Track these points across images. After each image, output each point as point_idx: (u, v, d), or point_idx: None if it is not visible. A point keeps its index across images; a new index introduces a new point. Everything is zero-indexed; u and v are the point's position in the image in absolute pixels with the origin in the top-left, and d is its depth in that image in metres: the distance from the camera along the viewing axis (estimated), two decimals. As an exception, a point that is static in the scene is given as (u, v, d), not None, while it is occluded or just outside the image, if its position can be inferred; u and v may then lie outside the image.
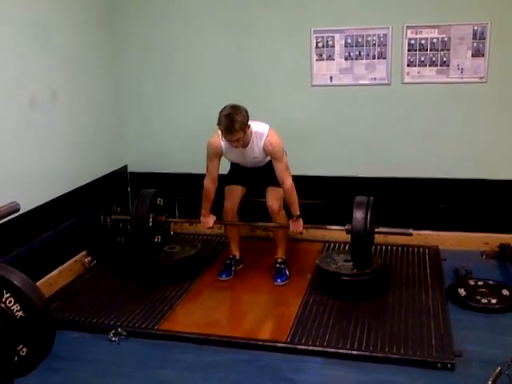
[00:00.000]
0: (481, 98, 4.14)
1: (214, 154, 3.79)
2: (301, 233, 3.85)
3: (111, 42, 4.60)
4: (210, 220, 3.96)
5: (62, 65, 3.98)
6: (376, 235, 4.51)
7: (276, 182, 3.83)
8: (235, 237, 4.15)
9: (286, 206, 3.87)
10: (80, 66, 4.20)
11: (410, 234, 3.76)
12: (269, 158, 3.79)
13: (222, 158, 3.86)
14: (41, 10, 3.73)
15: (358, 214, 3.54)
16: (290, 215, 3.85)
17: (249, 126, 3.58)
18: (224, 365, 3.00)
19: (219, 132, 3.58)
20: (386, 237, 4.48)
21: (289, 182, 3.71)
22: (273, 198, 3.88)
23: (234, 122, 3.43)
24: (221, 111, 3.49)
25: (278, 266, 3.97)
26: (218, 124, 3.49)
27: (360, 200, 3.62)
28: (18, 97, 3.55)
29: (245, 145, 3.66)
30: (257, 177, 3.96)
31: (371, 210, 3.56)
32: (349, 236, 4.48)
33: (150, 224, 3.88)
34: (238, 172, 3.99)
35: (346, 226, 3.65)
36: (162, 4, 4.52)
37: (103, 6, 4.49)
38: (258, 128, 3.68)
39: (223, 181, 4.02)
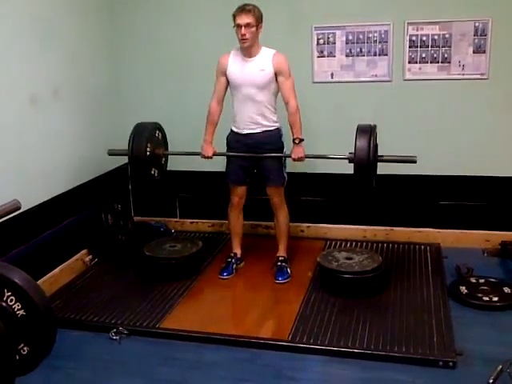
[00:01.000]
0: (482, 94, 4.13)
1: (221, 72, 3.78)
2: (302, 159, 3.74)
3: (113, 40, 4.60)
4: (210, 149, 3.87)
5: (64, 63, 3.98)
6: (378, 235, 4.54)
7: (276, 181, 3.84)
8: (238, 233, 4.11)
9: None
10: (81, 64, 4.19)
11: (415, 161, 3.56)
12: (272, 89, 3.71)
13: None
14: (43, 9, 3.73)
15: (361, 142, 3.41)
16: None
17: (261, 26, 3.62)
18: (225, 363, 3.00)
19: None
20: (388, 234, 4.48)
21: (294, 103, 3.69)
22: (274, 194, 3.89)
23: (249, 4, 3.59)
24: None
25: (279, 264, 3.97)
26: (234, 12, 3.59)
27: (363, 127, 3.50)
28: (19, 95, 3.55)
29: (251, 45, 3.62)
30: (256, 169, 3.92)
31: (374, 138, 3.46)
32: (350, 233, 4.53)
33: (148, 153, 3.85)
34: (237, 168, 3.92)
35: (348, 155, 3.55)
36: (163, 3, 4.51)
37: (105, 5, 4.49)
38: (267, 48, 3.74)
39: (222, 178, 4.01)
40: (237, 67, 3.72)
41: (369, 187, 3.57)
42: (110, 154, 4.11)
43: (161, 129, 4.10)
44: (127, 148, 3.87)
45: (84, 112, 4.24)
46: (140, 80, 4.70)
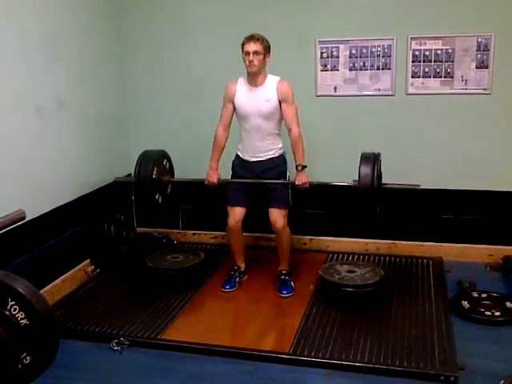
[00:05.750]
0: (484, 109, 4.15)
1: (229, 99, 3.82)
2: (305, 185, 3.77)
3: (118, 52, 4.64)
4: (215, 176, 3.91)
5: (69, 74, 4.01)
6: (380, 248, 4.54)
7: (279, 203, 3.85)
8: (240, 249, 4.11)
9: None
10: (86, 75, 4.22)
11: (419, 190, 3.59)
12: (278, 117, 3.77)
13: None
14: (48, 21, 3.77)
15: (365, 169, 3.43)
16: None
17: (268, 56, 3.70)
18: (226, 375, 3.00)
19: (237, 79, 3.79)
20: (390, 248, 4.48)
21: (296, 130, 3.73)
22: (276, 215, 3.85)
23: (258, 34, 3.66)
24: None
25: (282, 277, 3.96)
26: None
27: (367, 155, 3.53)
28: (25, 106, 3.57)
29: (258, 73, 3.69)
30: (259, 192, 3.94)
31: (378, 165, 3.48)
32: (353, 246, 4.53)
33: (154, 177, 3.89)
34: (239, 189, 3.94)
35: (353, 182, 3.57)
36: (169, 15, 4.55)
37: (110, 16, 4.53)
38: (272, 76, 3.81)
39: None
40: (244, 96, 3.78)
41: (373, 213, 3.59)
42: (116, 182, 4.18)
43: (167, 157, 4.14)
44: (133, 175, 3.95)
45: (88, 123, 4.26)
46: (147, 94, 4.73)
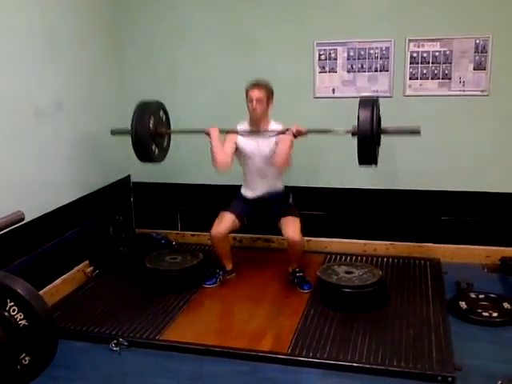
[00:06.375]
0: (482, 110, 4.16)
1: (232, 137, 3.86)
2: (302, 129, 3.72)
3: (117, 54, 4.66)
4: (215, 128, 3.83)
5: (68, 77, 4.02)
6: (378, 249, 4.55)
7: (289, 212, 3.89)
8: (226, 252, 4.09)
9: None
10: (86, 77, 4.24)
11: (419, 132, 3.52)
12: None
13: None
14: (48, 23, 3.78)
15: (364, 113, 3.38)
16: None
17: (272, 102, 3.78)
18: (224, 376, 3.01)
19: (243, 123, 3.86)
20: (388, 249, 4.50)
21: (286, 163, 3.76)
22: (291, 229, 3.84)
23: (262, 80, 3.76)
24: None
25: (298, 275, 3.99)
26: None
27: (365, 99, 3.48)
28: (23, 107, 3.58)
29: (261, 118, 3.76)
30: (261, 211, 4.01)
31: (377, 110, 3.44)
32: (351, 247, 4.54)
33: (151, 127, 3.81)
34: (243, 201, 4.02)
35: (352, 128, 3.50)
36: (167, 18, 4.57)
37: (110, 19, 4.55)
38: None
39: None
40: (247, 141, 3.85)
41: (372, 161, 3.50)
42: (112, 134, 4.06)
43: (165, 109, 4.06)
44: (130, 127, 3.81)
45: (87, 124, 4.28)
46: (144, 93, 4.71)
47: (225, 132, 3.87)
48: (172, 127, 4.11)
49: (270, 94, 3.76)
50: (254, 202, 4.01)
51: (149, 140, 3.80)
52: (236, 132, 3.86)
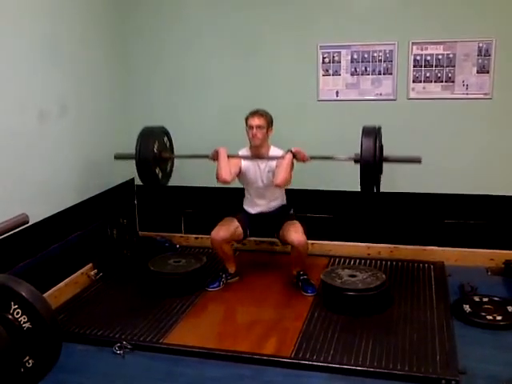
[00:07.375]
0: (485, 114, 4.16)
1: (237, 161, 3.92)
2: (303, 153, 3.78)
3: (121, 56, 4.67)
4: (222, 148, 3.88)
5: (72, 79, 4.04)
6: (382, 252, 4.55)
7: (288, 219, 3.95)
8: (228, 256, 4.12)
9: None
10: (89, 80, 4.25)
11: (419, 161, 3.56)
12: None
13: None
14: (52, 26, 3.79)
15: (367, 142, 3.43)
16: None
17: (271, 130, 3.87)
18: (227, 379, 3.00)
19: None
20: (392, 252, 4.49)
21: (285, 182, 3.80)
22: (293, 231, 3.87)
23: (261, 110, 3.84)
24: None
25: (302, 278, 3.99)
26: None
27: (368, 128, 3.53)
28: (27, 109, 3.59)
29: (261, 146, 3.84)
30: (265, 221, 4.06)
31: (380, 139, 3.49)
32: (355, 251, 4.54)
33: (155, 151, 3.86)
34: (246, 217, 4.08)
35: (355, 156, 3.56)
36: (170, 21, 4.58)
37: (113, 21, 4.56)
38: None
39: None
40: (249, 166, 3.93)
41: (375, 188, 3.55)
42: (116, 158, 4.10)
43: (168, 134, 4.11)
44: (134, 152, 3.86)
45: (91, 127, 4.29)
46: (148, 95, 4.75)
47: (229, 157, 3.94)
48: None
49: (269, 121, 3.85)
50: (257, 216, 4.08)
51: (153, 164, 3.89)
52: (239, 157, 3.94)
